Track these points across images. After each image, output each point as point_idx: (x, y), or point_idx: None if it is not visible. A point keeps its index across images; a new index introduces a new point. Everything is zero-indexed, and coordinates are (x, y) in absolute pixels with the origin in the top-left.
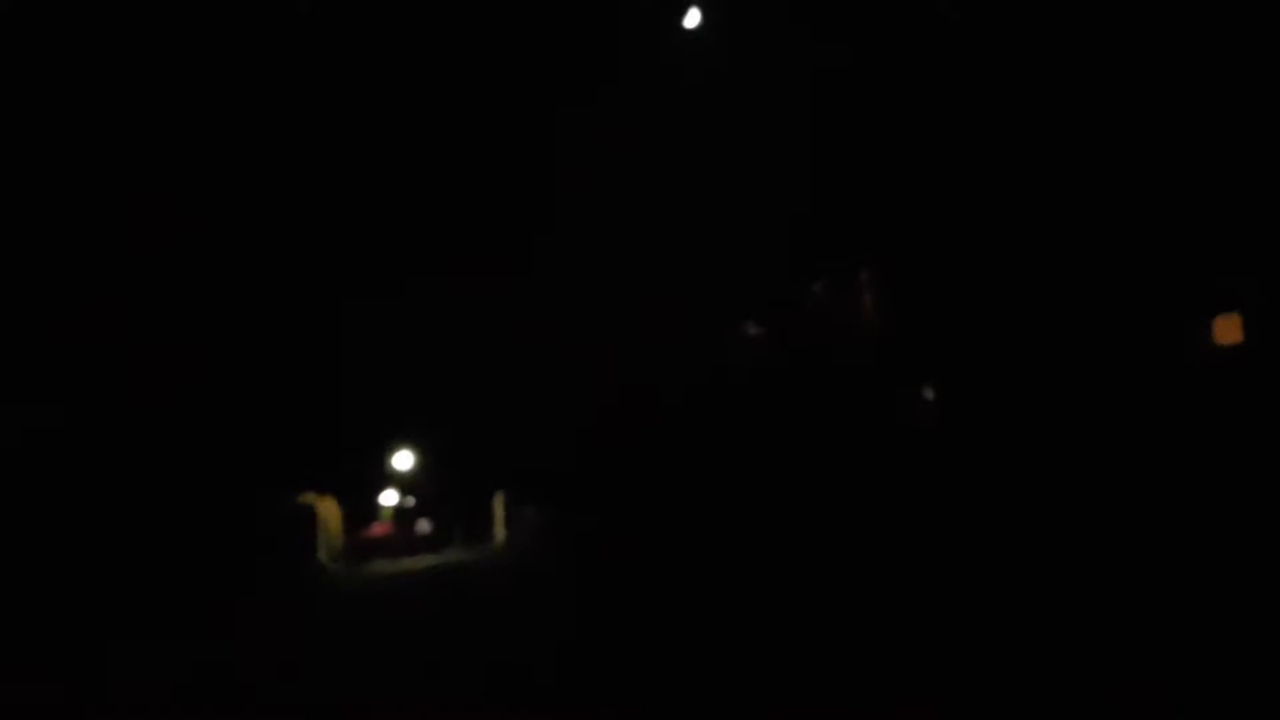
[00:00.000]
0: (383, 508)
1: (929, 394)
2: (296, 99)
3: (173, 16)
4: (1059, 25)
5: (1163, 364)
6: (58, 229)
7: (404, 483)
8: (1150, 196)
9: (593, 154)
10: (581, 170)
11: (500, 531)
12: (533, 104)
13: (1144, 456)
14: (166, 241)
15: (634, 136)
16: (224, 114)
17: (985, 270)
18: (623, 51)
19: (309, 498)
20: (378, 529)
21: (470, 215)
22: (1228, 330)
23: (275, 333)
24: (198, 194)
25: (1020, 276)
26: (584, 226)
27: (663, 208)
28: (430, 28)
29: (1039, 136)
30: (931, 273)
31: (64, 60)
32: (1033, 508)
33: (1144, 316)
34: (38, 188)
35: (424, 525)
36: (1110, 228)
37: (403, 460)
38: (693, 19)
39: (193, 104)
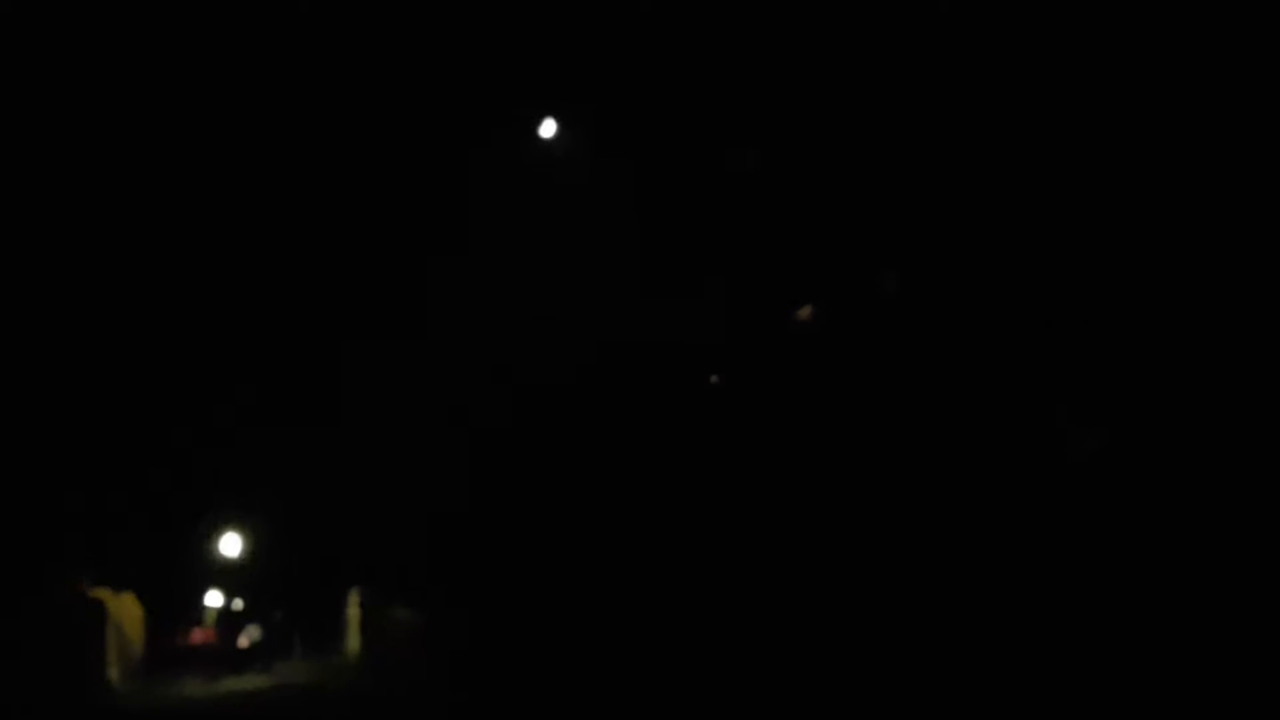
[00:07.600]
0: (207, 609)
1: None
2: None
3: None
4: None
5: None
6: None
7: (230, 575)
8: None
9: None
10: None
11: (354, 640)
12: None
13: None
14: None
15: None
16: None
17: None
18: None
19: (98, 592)
20: (197, 636)
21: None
22: None
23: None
24: None
25: None
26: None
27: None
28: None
29: None
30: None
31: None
32: None
33: None
34: None
35: (253, 632)
36: None
37: (230, 546)
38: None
39: None
